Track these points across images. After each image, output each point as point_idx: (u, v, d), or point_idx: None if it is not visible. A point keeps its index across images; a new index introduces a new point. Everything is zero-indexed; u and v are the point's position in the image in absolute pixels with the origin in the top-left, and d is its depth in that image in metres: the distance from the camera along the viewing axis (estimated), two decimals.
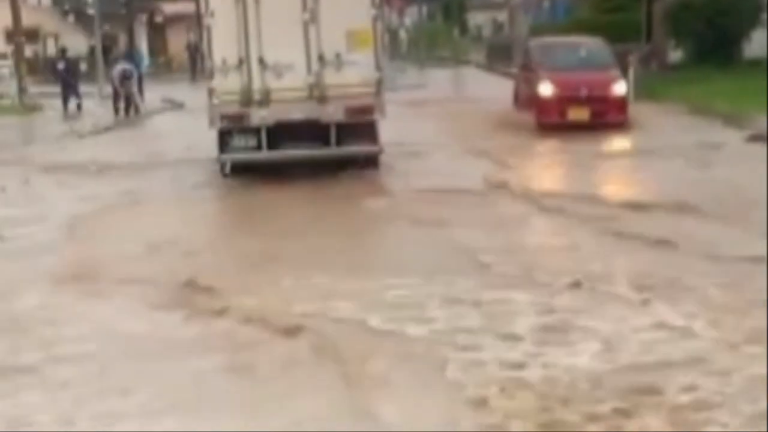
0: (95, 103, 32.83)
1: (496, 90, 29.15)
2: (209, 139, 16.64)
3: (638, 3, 36.57)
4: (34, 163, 19.68)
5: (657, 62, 29.10)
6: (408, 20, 66.35)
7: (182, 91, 35.83)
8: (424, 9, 68.23)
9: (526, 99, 22.01)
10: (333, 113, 15.65)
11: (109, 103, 30.35)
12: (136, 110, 29.48)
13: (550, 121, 20.35)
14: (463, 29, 66.89)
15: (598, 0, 41.92)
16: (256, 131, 15.75)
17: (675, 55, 30.43)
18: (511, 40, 48.83)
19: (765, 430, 6.07)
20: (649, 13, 33.63)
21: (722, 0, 27.94)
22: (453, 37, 57.52)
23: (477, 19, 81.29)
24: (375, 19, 15.93)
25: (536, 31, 43.91)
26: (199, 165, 17.69)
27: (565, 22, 42.07)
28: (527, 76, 22.46)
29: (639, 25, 34.43)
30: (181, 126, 25.35)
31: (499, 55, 48.28)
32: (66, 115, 31.16)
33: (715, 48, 28.09)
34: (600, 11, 39.96)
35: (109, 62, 33.70)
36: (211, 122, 15.93)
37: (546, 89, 20.87)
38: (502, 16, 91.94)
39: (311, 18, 15.70)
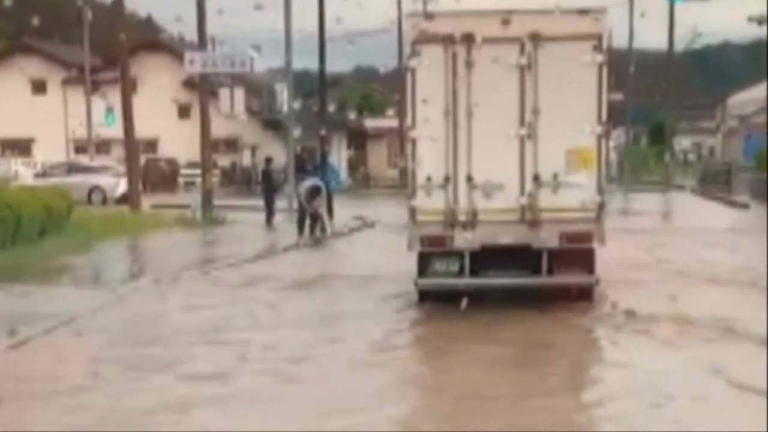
0: (284, 218, 31.29)
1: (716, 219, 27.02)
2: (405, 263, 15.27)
3: None
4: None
5: None
6: (612, 143, 64.65)
7: (383, 207, 34.34)
8: (631, 132, 66.62)
9: None
10: (546, 239, 14.43)
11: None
12: (323, 230, 27.88)
13: None
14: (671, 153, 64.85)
15: None
16: (459, 255, 14.65)
17: None
18: (728, 165, 46.86)
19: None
20: None
21: None
22: (664, 161, 55.43)
23: (682, 143, 79.64)
24: (600, 138, 14.47)
25: (763, 156, 41.76)
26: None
27: None
28: None
29: None
30: (373, 247, 24.32)
31: (714, 180, 46.26)
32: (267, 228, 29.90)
33: None
34: None
35: (297, 177, 32.07)
36: (410, 244, 14.78)
37: None
38: (709, 141, 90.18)
39: (529, 134, 14.41)
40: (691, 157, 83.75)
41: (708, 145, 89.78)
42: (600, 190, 14.43)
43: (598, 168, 14.42)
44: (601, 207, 14.41)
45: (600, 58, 14.17)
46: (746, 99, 77.80)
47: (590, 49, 14.16)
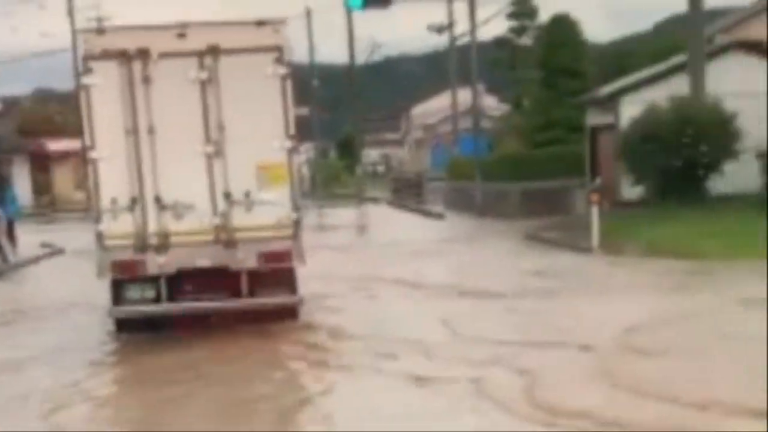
0: None
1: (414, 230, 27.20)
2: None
3: (576, 135, 35.53)
4: None
5: (609, 199, 26.33)
6: (303, 157, 65.16)
7: (72, 232, 32.79)
8: (319, 145, 67.36)
9: None
10: (243, 259, 13.92)
11: None
12: (4, 260, 26.26)
13: None
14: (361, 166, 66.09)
15: (527, 134, 40.94)
16: (154, 280, 13.95)
17: (631, 191, 27.46)
18: (419, 176, 47.93)
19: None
20: (594, 145, 32.27)
21: (691, 131, 24.85)
22: (355, 174, 56.23)
23: (370, 155, 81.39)
24: (290, 152, 14.02)
25: (456, 166, 43.01)
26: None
27: (491, 157, 40.98)
28: None
29: (578, 158, 33.15)
30: (65, 275, 22.92)
31: (407, 191, 47.21)
32: None
33: (681, 183, 25.25)
34: (533, 145, 38.67)
35: None
36: (100, 271, 13.94)
37: None
38: (398, 152, 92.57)
39: (216, 151, 13.84)
40: (380, 168, 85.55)
41: (397, 156, 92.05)
42: (295, 207, 14.08)
43: (291, 184, 14.05)
44: (297, 224, 14.05)
45: (282, 70, 13.83)
46: (429, 109, 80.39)
47: (272, 62, 13.79)
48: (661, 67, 30.76)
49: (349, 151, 69.99)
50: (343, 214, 41.43)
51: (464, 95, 46.01)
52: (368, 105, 74.07)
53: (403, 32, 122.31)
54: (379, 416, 9.54)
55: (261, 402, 10.50)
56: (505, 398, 9.69)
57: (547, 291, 16.53)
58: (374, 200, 49.88)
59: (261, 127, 13.82)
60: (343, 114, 72.32)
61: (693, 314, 13.46)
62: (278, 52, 13.82)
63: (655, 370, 10.44)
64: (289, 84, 13.89)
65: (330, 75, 71.39)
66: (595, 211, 21.34)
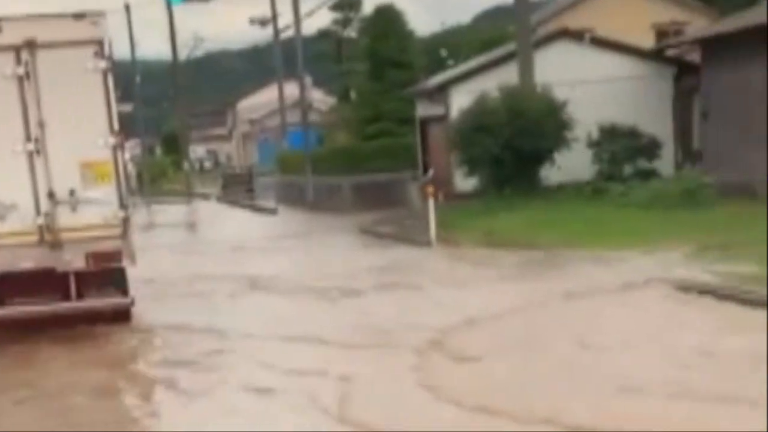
0: None
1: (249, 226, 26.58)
2: None
3: (405, 127, 35.52)
4: None
5: (444, 191, 25.44)
6: (128, 154, 63.54)
7: None
8: (144, 142, 66.02)
9: None
10: (71, 261, 13.42)
11: None
12: None
13: None
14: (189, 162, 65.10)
15: (356, 126, 40.72)
16: None
17: (465, 182, 27.22)
18: (249, 170, 47.44)
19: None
20: (424, 137, 32.21)
21: (522, 120, 24.92)
22: (183, 170, 55.29)
23: (197, 151, 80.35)
24: (115, 149, 13.59)
25: (286, 160, 42.65)
26: None
27: (321, 150, 40.74)
28: None
29: (409, 150, 33.03)
30: None
31: (238, 187, 46.68)
32: None
33: (515, 174, 25.20)
34: (362, 138, 38.50)
35: None
36: None
37: None
38: (224, 148, 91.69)
39: (37, 149, 13.29)
40: (208, 164, 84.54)
41: (224, 151, 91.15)
42: (123, 205, 13.61)
43: (117, 181, 13.61)
44: (126, 222, 13.61)
45: (103, 64, 13.39)
46: (254, 104, 79.72)
47: (92, 55, 13.36)
48: (489, 56, 30.96)
49: (175, 147, 68.98)
50: (173, 211, 40.66)
51: (291, 89, 45.68)
52: (193, 100, 73.01)
53: (227, 26, 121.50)
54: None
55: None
56: (317, 409, 9.17)
57: (384, 287, 16.20)
58: (204, 196, 49.19)
59: (83, 123, 13.41)
60: (168, 110, 71.21)
61: (522, 309, 13.24)
62: (98, 45, 13.45)
63: (473, 377, 10.01)
64: (110, 78, 13.52)
65: (152, 71, 70.17)
66: (431, 203, 21.17)
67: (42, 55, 13.27)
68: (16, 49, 13.19)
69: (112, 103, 13.50)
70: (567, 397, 8.66)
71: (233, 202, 43.96)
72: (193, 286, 17.89)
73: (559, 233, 19.11)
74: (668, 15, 38.27)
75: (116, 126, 13.52)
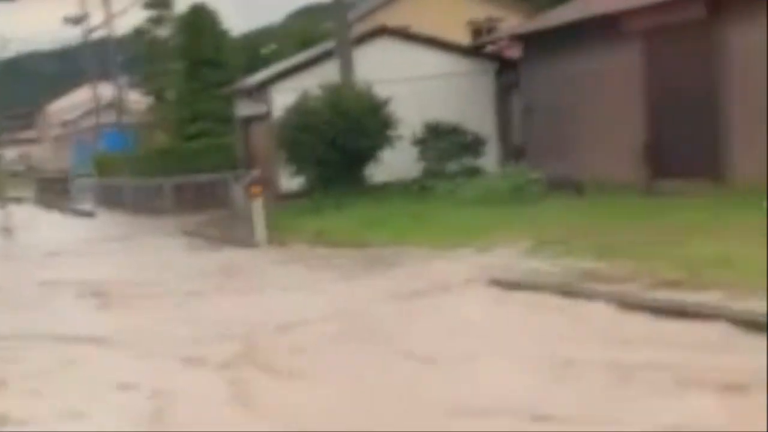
0: None
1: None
2: None
3: (224, 126, 34.97)
4: None
5: (269, 192, 24.38)
6: None
7: None
8: None
9: None
10: None
11: None
12: None
13: None
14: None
15: (175, 127, 39.78)
16: None
17: (291, 182, 26.60)
18: (65, 173, 46.19)
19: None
20: (246, 137, 31.60)
21: (345, 119, 24.26)
22: None
23: (8, 155, 77.91)
24: None
25: (103, 162, 41.45)
26: None
27: (139, 151, 39.73)
28: None
29: (229, 150, 32.37)
30: None
31: (53, 190, 45.33)
32: None
33: (339, 173, 24.62)
34: (182, 138, 37.72)
35: None
36: None
37: None
38: (36, 151, 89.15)
39: None
40: (19, 168, 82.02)
41: (37, 155, 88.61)
42: None
43: None
44: None
45: None
46: (66, 105, 77.69)
47: None
48: (309, 54, 30.63)
49: None
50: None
51: (105, 90, 44.55)
52: (2, 103, 70.60)
53: (35, 27, 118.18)
54: None
55: None
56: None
57: (205, 292, 15.51)
58: (18, 200, 47.59)
59: None
60: None
61: (348, 313, 12.34)
62: None
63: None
64: None
65: None
66: (257, 204, 20.68)
67: None
68: None
69: None
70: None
71: (50, 206, 42.68)
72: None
73: (391, 231, 18.75)
74: (483, 12, 38.66)
75: None
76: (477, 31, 37.60)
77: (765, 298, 9.18)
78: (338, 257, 17.54)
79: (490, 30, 36.94)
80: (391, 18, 33.42)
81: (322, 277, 15.70)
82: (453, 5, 37.04)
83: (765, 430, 6.14)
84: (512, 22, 35.21)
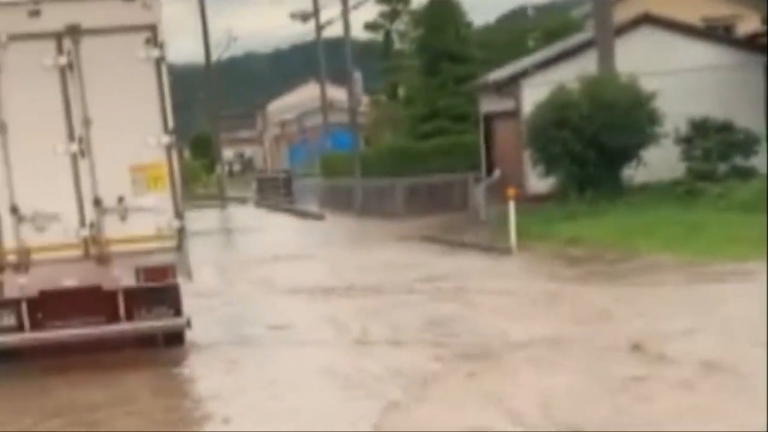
0: None
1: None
2: None
3: (461, 125, 34.07)
4: None
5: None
6: None
7: None
8: None
9: None
10: (120, 276, 12.12)
11: None
12: None
13: None
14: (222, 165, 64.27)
15: (408, 125, 38.78)
16: (15, 305, 12.02)
17: (539, 183, 25.23)
18: (288, 174, 46.26)
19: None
20: (489, 135, 30.33)
21: (608, 113, 22.72)
22: (216, 174, 54.28)
23: (225, 154, 79.74)
24: (169, 150, 12.15)
25: (330, 162, 41.17)
26: None
27: (369, 151, 39.22)
28: None
29: (467, 150, 31.31)
30: None
31: (274, 191, 45.45)
32: None
33: (595, 173, 23.22)
34: (415, 137, 36.68)
35: None
36: None
37: None
38: (251, 150, 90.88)
39: (82, 150, 11.91)
40: (237, 168, 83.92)
41: (254, 154, 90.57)
42: (178, 214, 12.14)
43: (172, 186, 12.18)
44: (181, 233, 12.14)
45: (156, 52, 12.02)
46: (284, 105, 78.72)
47: (143, 43, 12.00)
48: (563, 45, 29.14)
49: (203, 150, 67.62)
50: (210, 217, 39.40)
51: (315, 89, 44.47)
52: (221, 103, 72.06)
53: (259, 25, 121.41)
54: None
55: None
56: None
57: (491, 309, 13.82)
58: (240, 200, 48.12)
59: (134, 120, 12.05)
60: (193, 113, 70.23)
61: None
62: (150, 31, 12.06)
63: None
64: (165, 68, 12.23)
65: (178, 73, 68.87)
66: (511, 206, 19.62)
67: (87, 43, 11.99)
68: (58, 37, 11.94)
69: (166, 97, 12.12)
70: None
71: (272, 207, 42.70)
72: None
73: (660, 241, 16.93)
74: (717, 10, 36.17)
75: (171, 123, 12.16)
76: (711, 28, 35.26)
77: None
78: (600, 266, 15.92)
79: (727, 28, 34.57)
80: (619, 12, 31.50)
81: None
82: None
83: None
84: (752, 21, 32.62)
